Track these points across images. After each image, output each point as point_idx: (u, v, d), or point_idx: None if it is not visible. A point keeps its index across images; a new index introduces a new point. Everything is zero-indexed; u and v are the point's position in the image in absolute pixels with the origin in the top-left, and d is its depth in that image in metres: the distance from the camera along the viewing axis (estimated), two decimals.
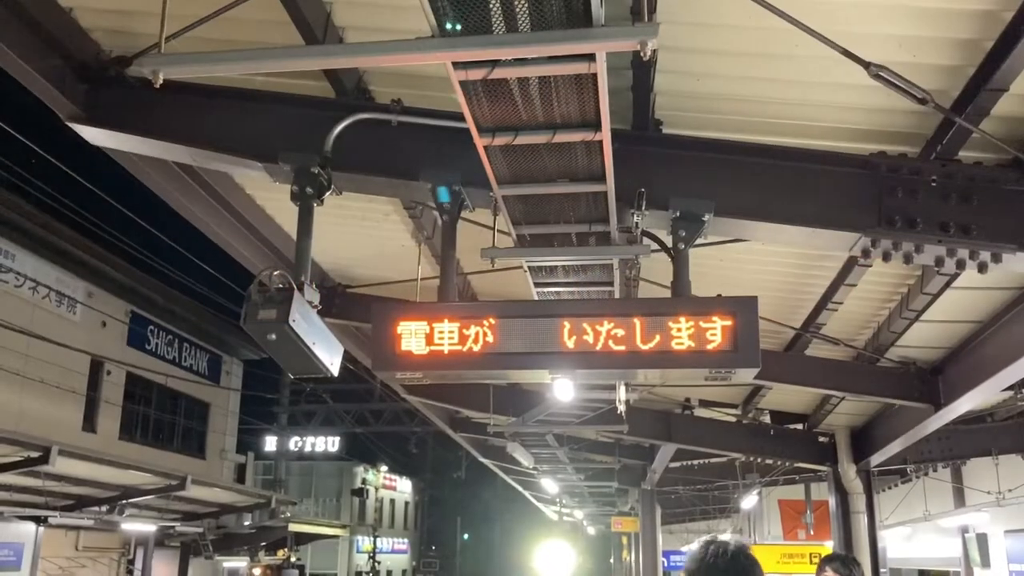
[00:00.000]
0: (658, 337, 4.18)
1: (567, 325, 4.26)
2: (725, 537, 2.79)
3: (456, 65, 3.33)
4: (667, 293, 4.62)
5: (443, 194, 4.72)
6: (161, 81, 3.58)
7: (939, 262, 4.39)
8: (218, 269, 15.63)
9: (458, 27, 3.09)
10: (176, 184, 6.10)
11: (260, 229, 7.17)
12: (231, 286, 15.24)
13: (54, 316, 16.59)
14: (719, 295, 4.33)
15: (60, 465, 11.82)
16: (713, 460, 16.52)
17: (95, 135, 5.16)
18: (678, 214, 4.50)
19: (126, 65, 4.84)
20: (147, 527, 17.19)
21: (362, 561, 40.34)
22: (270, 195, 6.75)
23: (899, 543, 17.91)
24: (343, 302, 8.25)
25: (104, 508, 15.14)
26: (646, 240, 4.88)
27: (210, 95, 5.05)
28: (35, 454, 11.49)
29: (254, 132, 5.01)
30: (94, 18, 4.92)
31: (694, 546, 2.78)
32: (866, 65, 3.75)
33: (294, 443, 39.99)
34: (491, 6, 3.03)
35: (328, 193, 4.71)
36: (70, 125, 5.08)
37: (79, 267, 17.35)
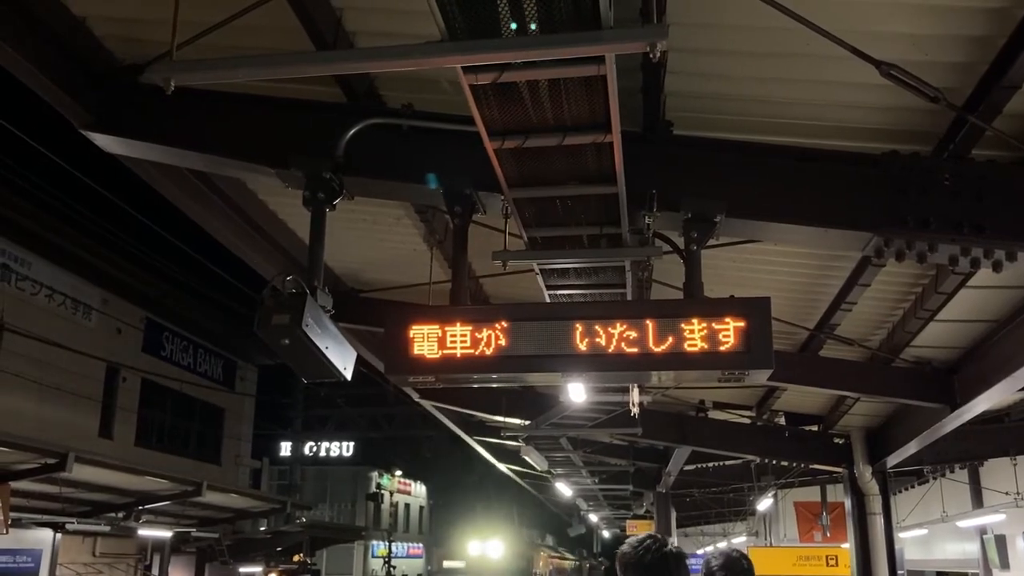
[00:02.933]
0: (671, 339, 4.17)
1: (579, 327, 4.26)
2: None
3: (466, 69, 3.35)
4: (680, 295, 4.61)
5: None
6: (173, 88, 3.61)
7: (953, 261, 4.37)
8: (232, 275, 15.67)
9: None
10: (189, 190, 6.14)
11: (273, 234, 7.20)
12: (245, 291, 15.30)
13: (70, 323, 16.69)
14: (731, 296, 4.32)
15: (77, 472, 11.88)
16: (728, 462, 16.49)
17: (108, 143, 5.21)
18: (689, 215, 4.49)
19: (139, 73, 4.87)
20: (163, 533, 17.26)
21: (377, 565, 40.36)
22: (283, 200, 6.77)
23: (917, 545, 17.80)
24: (356, 307, 8.26)
25: (121, 514, 15.21)
26: (658, 242, 4.87)
27: (222, 102, 5.08)
28: (52, 461, 11.56)
29: (266, 138, 5.04)
30: (107, 26, 4.96)
31: (632, 540, 3.16)
32: (877, 64, 3.74)
33: (309, 448, 40.14)
34: (500, 10, 3.04)
35: (340, 198, 4.74)
36: (84, 133, 5.12)
37: (94, 274, 17.45)
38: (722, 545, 23.68)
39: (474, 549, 18.83)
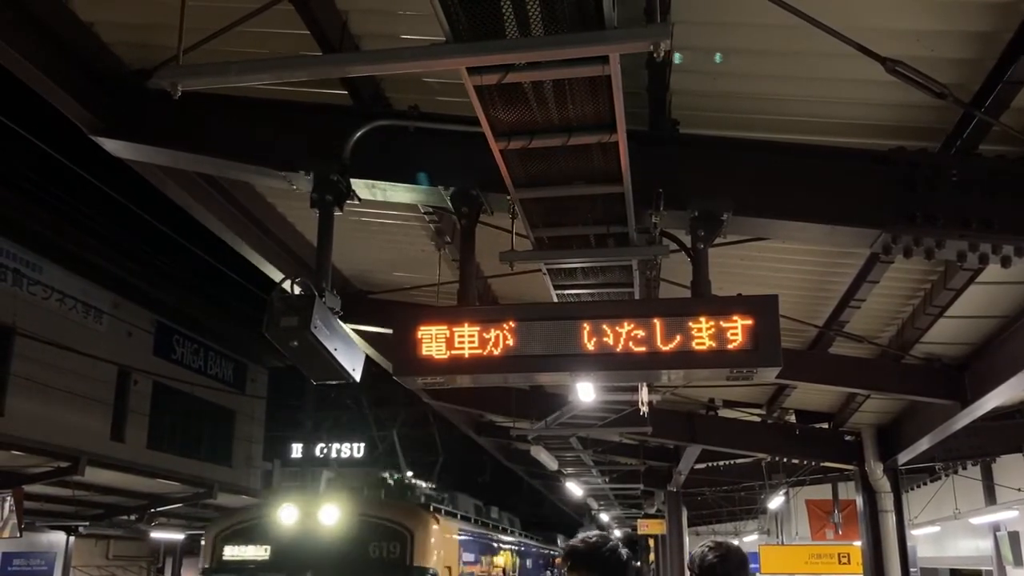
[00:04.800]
0: (678, 337, 4.18)
1: (587, 327, 4.27)
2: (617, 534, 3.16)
3: (470, 70, 3.36)
4: (687, 293, 4.61)
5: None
6: (180, 93, 3.63)
7: (961, 257, 4.36)
8: (241, 277, 15.73)
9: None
10: (197, 194, 6.16)
11: (281, 237, 7.23)
12: (255, 293, 15.36)
13: (81, 327, 16.77)
14: (739, 294, 4.32)
15: (90, 475, 12.00)
16: (739, 461, 16.46)
17: (117, 147, 5.24)
18: (696, 214, 4.49)
19: (146, 78, 4.91)
20: (176, 535, 17.35)
21: None
22: (291, 203, 6.80)
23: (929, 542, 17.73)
24: (364, 308, 8.28)
25: (133, 517, 15.30)
26: (665, 240, 4.87)
27: (229, 105, 5.11)
28: (65, 464, 11.67)
29: (273, 141, 5.06)
30: (114, 32, 4.99)
31: (584, 535, 3.25)
32: (882, 60, 3.73)
33: (320, 449, 40.19)
34: (504, 11, 3.05)
35: (347, 200, 4.75)
36: (93, 138, 5.15)
37: (105, 278, 17.54)
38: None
39: (289, 517, 9.53)
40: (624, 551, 3.17)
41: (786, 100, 4.76)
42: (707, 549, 3.65)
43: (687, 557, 19.12)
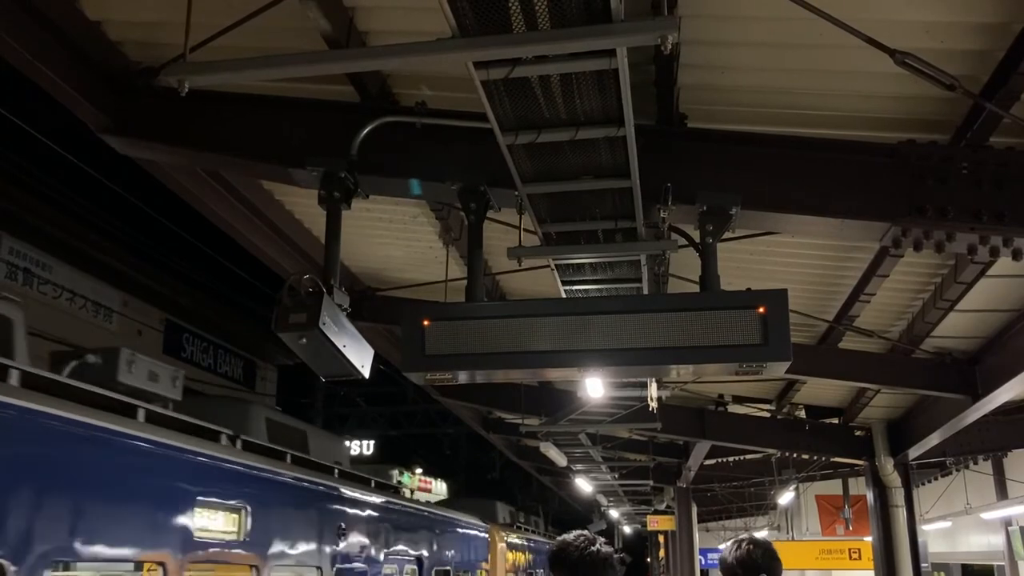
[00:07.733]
0: (687, 332, 4.16)
1: (595, 322, 4.26)
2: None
3: (478, 65, 3.35)
4: (696, 288, 4.60)
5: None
6: (187, 90, 3.63)
7: (972, 250, 4.34)
8: (250, 275, 15.76)
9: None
10: (206, 191, 6.18)
11: (289, 234, 7.24)
12: (264, 291, 15.42)
13: (91, 326, 16.82)
14: (748, 289, 4.31)
15: None
16: (749, 456, 16.43)
17: (125, 145, 5.26)
18: (705, 208, 4.47)
19: (154, 76, 4.91)
20: None
21: None
22: (299, 200, 6.81)
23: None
24: (373, 305, 8.30)
25: None
26: (673, 235, 4.85)
27: (236, 103, 5.12)
28: None
29: (281, 138, 5.07)
30: (122, 30, 5.00)
31: (563, 538, 3.20)
32: (891, 53, 3.71)
33: None
34: (510, 5, 3.04)
35: (355, 197, 4.75)
36: (101, 137, 5.17)
37: (114, 277, 17.57)
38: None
39: None
40: (601, 548, 3.16)
41: (794, 93, 4.74)
42: (752, 547, 3.62)
43: (696, 554, 19.11)
